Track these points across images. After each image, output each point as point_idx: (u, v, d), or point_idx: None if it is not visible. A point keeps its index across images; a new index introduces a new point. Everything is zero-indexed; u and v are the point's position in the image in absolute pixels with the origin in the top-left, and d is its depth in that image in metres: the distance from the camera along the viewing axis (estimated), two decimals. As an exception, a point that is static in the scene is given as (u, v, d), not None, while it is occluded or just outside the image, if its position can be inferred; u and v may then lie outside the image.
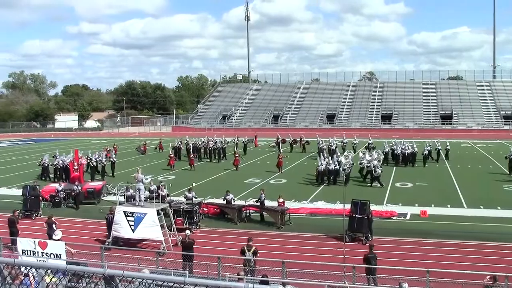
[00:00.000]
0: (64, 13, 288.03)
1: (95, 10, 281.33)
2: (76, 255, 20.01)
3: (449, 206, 31.45)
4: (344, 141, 60.41)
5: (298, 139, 62.96)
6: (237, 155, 49.40)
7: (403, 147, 50.49)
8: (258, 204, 29.05)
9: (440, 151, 52.30)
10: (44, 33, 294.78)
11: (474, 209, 30.38)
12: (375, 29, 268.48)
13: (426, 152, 50.10)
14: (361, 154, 42.35)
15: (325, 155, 43.86)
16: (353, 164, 41.02)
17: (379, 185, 38.10)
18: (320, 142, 55.55)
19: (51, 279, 5.21)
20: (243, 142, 62.21)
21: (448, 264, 19.98)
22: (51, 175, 44.01)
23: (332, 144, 55.60)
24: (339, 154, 44.28)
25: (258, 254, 19.69)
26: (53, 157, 46.03)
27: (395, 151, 50.32)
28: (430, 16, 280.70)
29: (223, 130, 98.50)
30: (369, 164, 39.03)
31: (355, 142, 60.02)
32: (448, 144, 53.92)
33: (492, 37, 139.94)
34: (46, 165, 44.77)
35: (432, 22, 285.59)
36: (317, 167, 40.27)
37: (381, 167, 39.39)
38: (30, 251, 18.13)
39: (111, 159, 46.42)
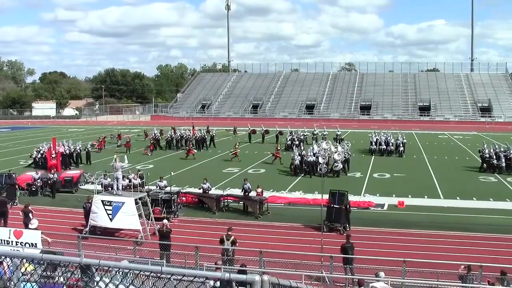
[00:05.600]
0: (39, 0, 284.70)
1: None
2: (52, 244, 19.87)
3: (426, 197, 31.72)
4: (315, 132, 60.32)
5: (277, 130, 62.45)
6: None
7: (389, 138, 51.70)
8: (242, 193, 29.13)
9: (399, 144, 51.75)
10: (19, 20, 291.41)
11: (451, 200, 30.71)
12: (353, 20, 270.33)
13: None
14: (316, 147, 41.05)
15: (302, 147, 43.83)
16: (347, 156, 40.74)
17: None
18: (292, 133, 55.78)
19: (26, 269, 5.15)
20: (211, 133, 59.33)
21: (424, 254, 20.18)
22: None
23: (301, 135, 55.85)
24: (315, 146, 43.48)
25: (237, 244, 19.72)
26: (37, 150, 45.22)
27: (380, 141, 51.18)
28: (407, 8, 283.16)
29: (202, 119, 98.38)
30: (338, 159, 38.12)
31: (325, 132, 59.98)
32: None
33: (467, 30, 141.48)
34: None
35: (409, 14, 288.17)
36: (293, 161, 40.26)
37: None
38: (4, 240, 17.99)
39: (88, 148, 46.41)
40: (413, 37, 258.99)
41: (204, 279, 4.40)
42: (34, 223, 20.92)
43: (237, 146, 48.25)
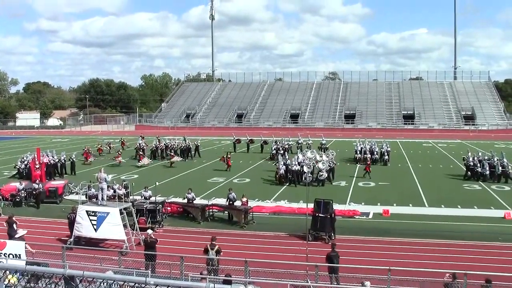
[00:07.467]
0: (21, 10, 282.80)
1: (54, 7, 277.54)
2: (37, 255, 19.70)
3: (410, 205, 31.83)
4: (300, 141, 60.40)
5: (262, 139, 62.41)
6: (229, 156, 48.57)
7: (374, 146, 51.91)
8: (227, 203, 29.04)
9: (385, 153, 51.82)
10: (2, 30, 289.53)
11: (435, 208, 30.82)
12: (335, 29, 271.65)
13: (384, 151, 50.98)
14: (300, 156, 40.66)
15: (287, 157, 43.91)
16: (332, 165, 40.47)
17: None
18: (276, 142, 55.77)
19: (9, 280, 5.11)
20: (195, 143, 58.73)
21: (409, 263, 20.22)
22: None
23: (286, 144, 55.73)
24: (300, 155, 43.33)
25: (222, 253, 19.65)
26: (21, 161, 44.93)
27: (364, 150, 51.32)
28: (389, 17, 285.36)
29: (187, 129, 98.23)
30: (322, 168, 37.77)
31: (309, 141, 59.71)
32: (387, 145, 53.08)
33: (449, 38, 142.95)
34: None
35: (390, 23, 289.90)
36: (278, 170, 40.27)
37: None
38: (-12, 252, 17.78)
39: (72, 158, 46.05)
40: (395, 46, 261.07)
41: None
42: (21, 232, 20.79)
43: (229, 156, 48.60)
